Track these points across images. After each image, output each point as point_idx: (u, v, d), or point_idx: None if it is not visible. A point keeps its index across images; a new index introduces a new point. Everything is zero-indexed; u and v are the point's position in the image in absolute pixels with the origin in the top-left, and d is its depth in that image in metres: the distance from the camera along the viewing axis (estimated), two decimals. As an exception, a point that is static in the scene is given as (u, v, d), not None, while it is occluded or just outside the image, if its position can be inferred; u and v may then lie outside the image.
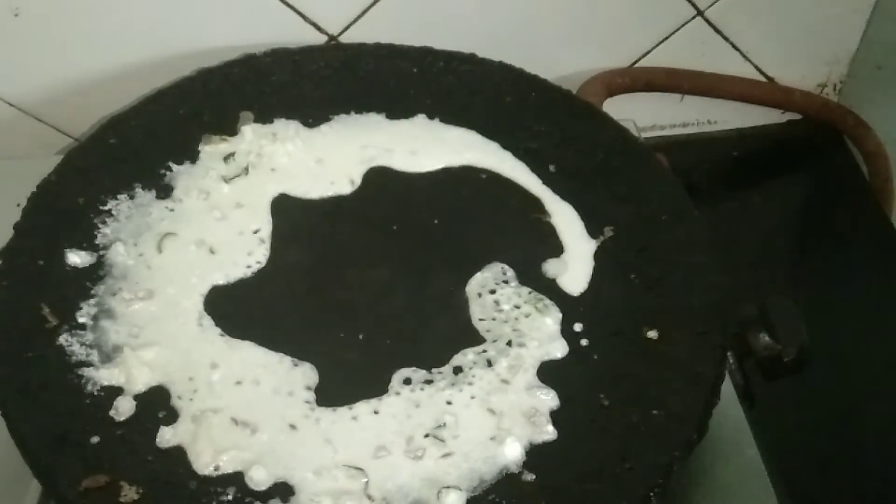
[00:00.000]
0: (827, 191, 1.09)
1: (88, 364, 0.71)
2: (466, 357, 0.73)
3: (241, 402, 0.70)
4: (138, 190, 0.81)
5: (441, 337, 0.75)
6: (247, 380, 0.71)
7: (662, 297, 0.76)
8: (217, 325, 0.74)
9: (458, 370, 0.73)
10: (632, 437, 0.68)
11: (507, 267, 0.79)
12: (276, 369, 0.72)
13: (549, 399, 0.71)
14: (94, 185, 0.80)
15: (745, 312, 0.75)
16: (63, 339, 0.72)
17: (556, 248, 0.80)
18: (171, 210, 0.81)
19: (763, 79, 1.09)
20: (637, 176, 0.83)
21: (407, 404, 0.71)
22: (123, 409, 0.69)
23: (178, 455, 0.67)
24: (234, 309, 0.76)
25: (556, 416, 0.70)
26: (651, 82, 1.04)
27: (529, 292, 0.77)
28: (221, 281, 0.77)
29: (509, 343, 0.74)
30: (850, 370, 0.90)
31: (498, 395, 0.71)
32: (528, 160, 0.85)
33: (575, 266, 0.79)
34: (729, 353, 0.75)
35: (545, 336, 0.74)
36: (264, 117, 0.86)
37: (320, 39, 0.96)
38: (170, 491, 0.65)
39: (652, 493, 0.65)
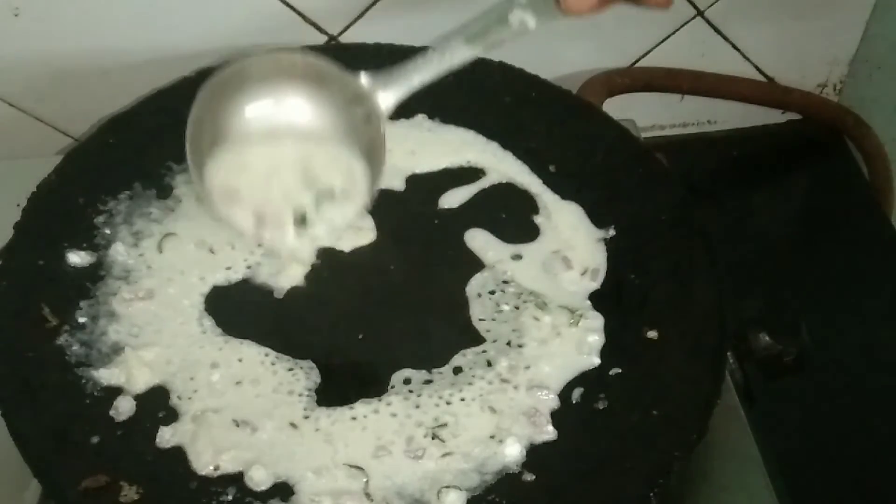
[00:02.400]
0: (827, 191, 1.09)
1: (88, 364, 0.71)
2: (466, 357, 0.73)
3: (241, 401, 0.70)
4: (138, 190, 0.81)
5: (441, 337, 0.75)
6: (247, 380, 0.71)
7: (662, 297, 0.76)
8: (217, 325, 0.74)
9: (458, 370, 0.73)
10: (632, 437, 0.68)
11: (507, 267, 0.79)
12: (277, 369, 0.72)
13: (549, 399, 0.71)
14: (94, 185, 0.80)
15: (745, 312, 0.75)
16: (63, 339, 0.72)
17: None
18: (171, 210, 0.81)
19: (763, 79, 1.09)
20: (637, 176, 0.83)
21: (407, 404, 0.71)
22: (123, 409, 0.69)
23: (178, 455, 0.67)
24: (234, 309, 0.76)
25: (556, 416, 0.70)
26: (651, 82, 1.04)
27: (530, 293, 0.77)
28: (221, 281, 0.77)
29: (509, 343, 0.74)
30: (851, 370, 0.90)
31: (498, 395, 0.71)
32: (528, 160, 0.85)
33: (575, 266, 0.79)
34: (729, 353, 0.75)
35: (545, 336, 0.75)
36: (264, 117, 0.86)
37: (320, 39, 0.96)
38: (170, 491, 0.65)
39: (652, 493, 0.65)
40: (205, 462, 0.67)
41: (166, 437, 0.68)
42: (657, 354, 0.73)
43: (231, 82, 0.71)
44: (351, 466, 0.67)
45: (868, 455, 0.85)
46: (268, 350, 0.73)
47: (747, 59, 1.06)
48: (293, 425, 0.69)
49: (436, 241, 0.81)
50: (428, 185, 0.84)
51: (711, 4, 1.01)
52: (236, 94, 0.71)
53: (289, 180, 0.73)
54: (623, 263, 0.79)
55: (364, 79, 0.71)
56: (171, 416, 0.69)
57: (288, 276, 0.77)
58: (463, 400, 0.71)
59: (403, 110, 0.87)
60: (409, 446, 0.68)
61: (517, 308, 0.76)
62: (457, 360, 0.73)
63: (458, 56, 0.71)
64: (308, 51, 0.73)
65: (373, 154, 0.71)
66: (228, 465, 0.67)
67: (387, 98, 0.71)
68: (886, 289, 0.97)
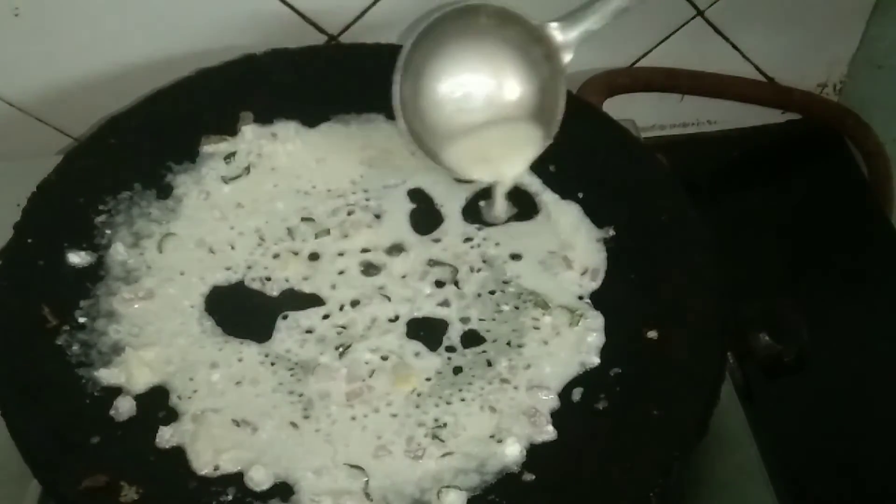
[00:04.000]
0: (827, 191, 1.09)
1: (88, 364, 0.71)
2: (466, 357, 0.73)
3: (241, 401, 0.70)
4: (138, 190, 0.81)
5: (441, 336, 0.75)
6: (247, 379, 0.71)
7: (662, 297, 0.76)
8: (217, 325, 0.74)
9: (458, 370, 0.73)
10: (631, 438, 0.68)
11: (507, 267, 0.79)
12: (276, 369, 0.72)
13: (549, 399, 0.71)
14: (94, 185, 0.80)
15: (746, 312, 0.75)
16: (63, 339, 0.72)
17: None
18: (171, 210, 0.81)
19: (763, 79, 1.09)
20: (637, 176, 0.83)
21: (407, 404, 0.71)
22: (123, 409, 0.69)
23: (178, 455, 0.67)
24: (234, 309, 0.76)
25: (556, 416, 0.70)
26: (651, 82, 1.04)
27: (530, 293, 0.77)
28: (221, 281, 0.77)
29: (509, 343, 0.74)
30: (850, 370, 0.90)
31: (498, 395, 0.71)
32: (528, 160, 0.85)
33: (575, 266, 0.79)
34: (729, 353, 0.75)
35: (545, 336, 0.75)
36: (264, 117, 0.86)
37: (320, 39, 0.96)
38: (170, 491, 0.66)
39: (652, 493, 0.65)
40: (205, 462, 0.67)
41: (166, 437, 0.68)
42: (657, 354, 0.73)
43: (426, 60, 0.79)
44: (351, 466, 0.67)
45: (868, 455, 0.85)
46: (268, 350, 0.73)
47: (747, 59, 1.06)
48: (293, 425, 0.69)
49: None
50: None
51: (711, 4, 1.01)
52: (434, 81, 0.79)
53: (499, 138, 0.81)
54: (623, 263, 0.79)
55: (546, 24, 0.77)
56: (171, 416, 0.69)
57: (286, 272, 0.78)
58: (463, 400, 0.71)
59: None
60: (409, 446, 0.68)
61: (517, 308, 0.76)
62: (457, 360, 0.73)
63: None
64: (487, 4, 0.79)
65: (551, 92, 0.79)
66: (228, 465, 0.67)
67: (566, 36, 0.77)
68: (886, 289, 0.97)
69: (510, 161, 0.81)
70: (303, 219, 0.81)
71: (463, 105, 0.80)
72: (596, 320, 0.75)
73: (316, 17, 0.94)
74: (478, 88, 0.80)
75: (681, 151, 1.07)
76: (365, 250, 0.80)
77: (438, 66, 0.79)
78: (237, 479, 0.66)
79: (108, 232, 0.79)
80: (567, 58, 0.78)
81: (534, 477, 0.67)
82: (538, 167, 0.84)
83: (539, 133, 0.80)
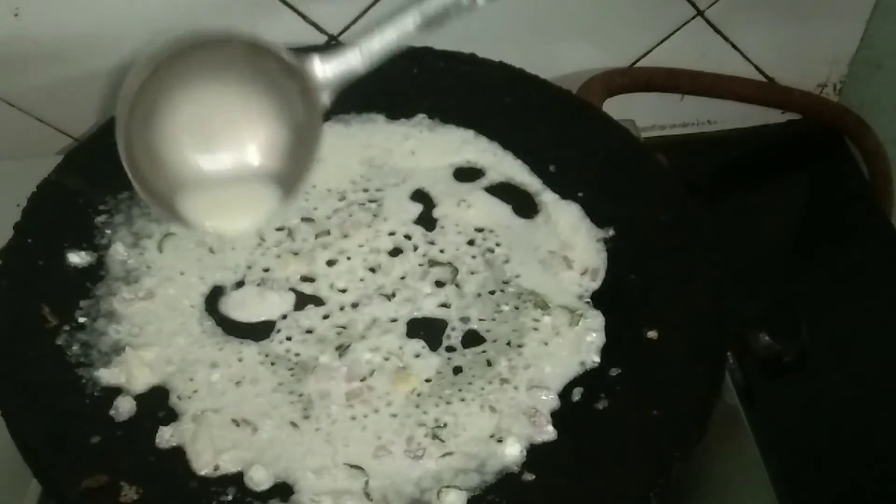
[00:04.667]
0: (827, 191, 1.09)
1: (88, 364, 0.71)
2: (466, 357, 0.73)
3: (240, 401, 0.70)
4: (138, 190, 0.81)
5: (440, 336, 0.75)
6: (247, 379, 0.71)
7: (662, 297, 0.76)
8: (217, 325, 0.74)
9: (457, 370, 0.73)
10: (631, 437, 0.68)
11: (506, 267, 0.79)
12: (276, 369, 0.72)
13: (549, 399, 0.71)
14: (94, 185, 0.80)
15: (745, 312, 0.75)
16: (63, 339, 0.72)
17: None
18: (172, 210, 0.81)
19: (763, 79, 1.09)
20: (637, 176, 0.83)
21: (407, 404, 0.71)
22: (123, 409, 0.69)
23: (178, 455, 0.67)
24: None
25: (556, 416, 0.70)
26: (651, 82, 1.04)
27: (530, 292, 0.77)
28: (221, 281, 0.77)
29: (509, 343, 0.74)
30: (850, 370, 0.89)
31: (498, 395, 0.71)
32: (528, 160, 0.85)
33: (575, 266, 0.79)
34: (729, 353, 0.75)
35: (545, 336, 0.75)
36: (264, 117, 0.86)
37: (320, 39, 0.96)
38: (170, 491, 0.66)
39: (652, 493, 0.65)
40: (205, 462, 0.67)
41: (166, 437, 0.68)
42: (657, 354, 0.73)
43: (160, 94, 0.68)
44: (351, 466, 0.67)
45: (868, 455, 0.85)
46: (268, 350, 0.73)
47: (747, 59, 1.06)
48: (293, 425, 0.69)
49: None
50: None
51: (711, 4, 1.00)
52: (169, 119, 0.69)
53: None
54: (623, 263, 0.79)
55: (305, 57, 0.68)
56: (171, 416, 0.69)
57: (286, 272, 0.78)
58: (463, 400, 0.71)
59: (403, 110, 0.88)
60: (409, 446, 0.68)
61: (517, 308, 0.76)
62: (457, 359, 0.73)
63: (405, 35, 0.69)
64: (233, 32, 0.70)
65: (307, 132, 0.69)
66: (228, 465, 0.67)
67: (325, 73, 0.68)
68: (886, 289, 0.97)
69: (249, 211, 0.71)
70: (303, 219, 0.81)
71: (203, 146, 0.70)
72: (596, 320, 0.75)
73: (316, 17, 0.94)
74: (220, 126, 0.70)
75: (681, 151, 1.07)
76: (365, 250, 0.80)
77: (174, 101, 0.68)
78: (237, 479, 0.66)
79: (108, 232, 0.79)
80: (325, 97, 0.68)
81: (534, 477, 0.67)
82: (538, 167, 0.85)
83: (284, 186, 0.71)
